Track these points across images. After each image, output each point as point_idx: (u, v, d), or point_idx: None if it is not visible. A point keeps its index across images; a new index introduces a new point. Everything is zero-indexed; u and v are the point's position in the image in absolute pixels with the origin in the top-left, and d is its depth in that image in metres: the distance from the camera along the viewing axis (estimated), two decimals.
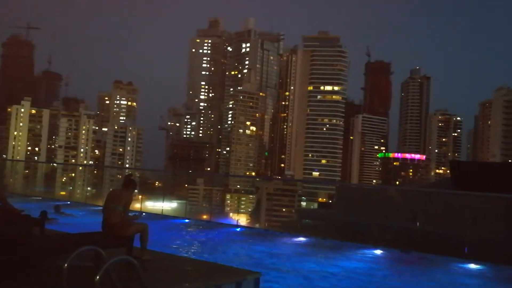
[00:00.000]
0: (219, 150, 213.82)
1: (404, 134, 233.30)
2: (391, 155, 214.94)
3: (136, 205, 19.77)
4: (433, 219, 19.45)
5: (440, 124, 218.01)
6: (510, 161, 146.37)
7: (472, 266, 10.41)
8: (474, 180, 23.48)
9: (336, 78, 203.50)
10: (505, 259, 12.13)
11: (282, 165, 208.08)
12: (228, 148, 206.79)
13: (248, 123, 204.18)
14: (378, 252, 11.57)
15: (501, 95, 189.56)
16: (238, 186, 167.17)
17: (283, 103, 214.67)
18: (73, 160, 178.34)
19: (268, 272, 7.87)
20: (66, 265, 4.49)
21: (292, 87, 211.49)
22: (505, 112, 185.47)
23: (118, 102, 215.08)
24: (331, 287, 7.77)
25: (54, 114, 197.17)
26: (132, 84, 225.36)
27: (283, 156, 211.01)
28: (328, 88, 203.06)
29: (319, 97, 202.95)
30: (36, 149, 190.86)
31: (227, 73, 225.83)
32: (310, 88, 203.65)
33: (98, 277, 4.07)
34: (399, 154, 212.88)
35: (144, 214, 8.05)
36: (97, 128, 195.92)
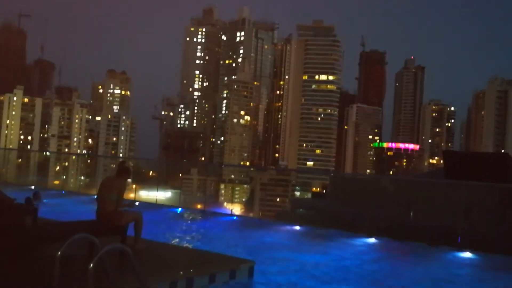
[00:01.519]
0: (213, 140, 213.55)
1: (398, 124, 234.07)
2: (385, 145, 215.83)
3: (130, 195, 19.73)
4: (426, 209, 19.56)
5: (433, 114, 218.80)
6: (502, 151, 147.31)
7: (465, 255, 10.49)
8: (467, 170, 23.58)
9: (331, 67, 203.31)
10: (498, 249, 12.23)
11: (277, 155, 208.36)
12: (222, 138, 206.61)
13: (242, 112, 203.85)
14: (372, 241, 11.64)
15: (495, 85, 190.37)
16: (232, 176, 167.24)
17: (278, 92, 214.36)
18: (66, 150, 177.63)
19: (262, 261, 7.88)
20: (59, 253, 4.46)
21: (286, 77, 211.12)
22: (498, 103, 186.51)
23: (111, 91, 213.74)
24: (325, 275, 7.80)
25: (47, 103, 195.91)
26: (125, 73, 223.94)
27: (277, 146, 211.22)
28: (323, 77, 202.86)
29: (313, 86, 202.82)
30: (29, 138, 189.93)
31: (221, 62, 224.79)
32: (305, 77, 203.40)
33: (91, 265, 4.04)
34: (393, 144, 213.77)
35: (137, 203, 8.02)
36: (90, 117, 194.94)
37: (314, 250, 10.36)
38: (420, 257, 10.59)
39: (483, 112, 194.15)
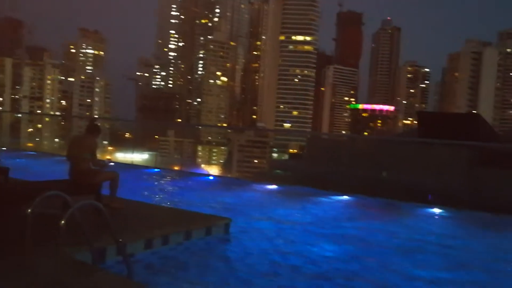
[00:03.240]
0: (190, 101, 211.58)
1: (374, 85, 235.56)
2: (360, 106, 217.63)
3: (106, 157, 19.52)
4: (399, 167, 19.97)
5: (409, 76, 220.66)
6: (474, 112, 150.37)
7: (436, 211, 10.81)
8: (440, 130, 24.02)
9: (308, 28, 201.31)
10: (468, 204, 12.65)
11: (254, 116, 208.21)
12: (199, 99, 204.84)
13: (219, 73, 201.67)
14: (346, 198, 11.87)
15: (469, 47, 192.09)
16: (210, 138, 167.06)
17: (255, 53, 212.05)
18: (39, 111, 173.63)
19: (239, 218, 7.97)
20: (29, 210, 4.39)
21: (263, 37, 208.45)
22: (472, 64, 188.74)
23: (84, 51, 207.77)
24: (300, 232, 7.95)
25: (17, 63, 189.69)
26: (98, 33, 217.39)
27: (254, 107, 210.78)
28: (300, 38, 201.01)
29: (290, 47, 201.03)
30: (0, 99, 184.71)
31: (197, 21, 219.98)
32: (282, 38, 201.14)
33: (63, 221, 3.99)
34: (368, 106, 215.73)
35: (112, 163, 7.96)
36: (63, 78, 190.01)
37: (290, 206, 10.51)
38: (393, 212, 10.88)
39: (456, 74, 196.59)
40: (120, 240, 4.70)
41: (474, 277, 6.14)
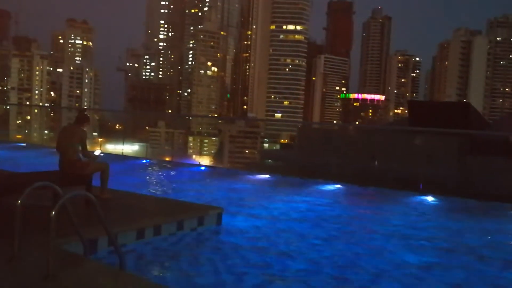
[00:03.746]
0: (180, 92, 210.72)
1: (365, 74, 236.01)
2: (351, 96, 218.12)
3: (96, 148, 19.39)
4: (390, 156, 20.06)
5: (399, 65, 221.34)
6: (464, 101, 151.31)
7: (426, 198, 10.89)
8: (430, 119, 24.13)
9: (299, 17, 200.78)
10: (458, 192, 12.75)
11: (245, 107, 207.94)
12: (189, 90, 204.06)
13: (209, 63, 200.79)
14: (337, 187, 11.91)
15: (459, 36, 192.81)
16: (201, 129, 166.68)
17: (245, 42, 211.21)
18: (28, 103, 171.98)
19: (231, 208, 7.96)
20: (19, 202, 4.33)
21: (254, 26, 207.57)
22: (461, 53, 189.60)
23: (72, 41, 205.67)
24: (293, 220, 7.97)
25: (5, 54, 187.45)
26: (87, 23, 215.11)
27: (245, 97, 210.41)
28: (291, 27, 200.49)
29: (281, 36, 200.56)
30: None
31: (186, 11, 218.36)
32: (273, 27, 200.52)
33: (53, 212, 3.94)
34: (359, 95, 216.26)
35: (102, 154, 7.91)
36: (51, 69, 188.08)
37: (281, 195, 10.52)
38: (384, 200, 10.94)
39: (446, 63, 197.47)
40: (110, 230, 4.68)
41: (462, 262, 6.24)
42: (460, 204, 10.77)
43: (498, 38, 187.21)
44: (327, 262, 5.85)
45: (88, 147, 7.55)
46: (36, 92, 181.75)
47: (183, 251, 5.99)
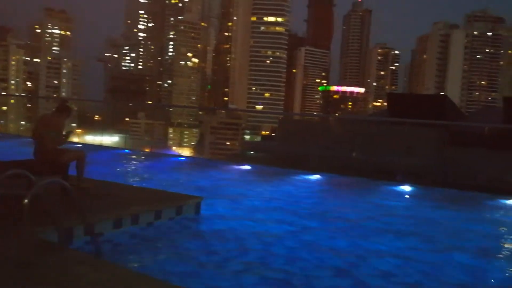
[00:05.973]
0: (160, 83, 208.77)
1: (345, 67, 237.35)
2: (331, 88, 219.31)
3: (74, 139, 19.10)
4: (369, 147, 20.27)
5: (379, 58, 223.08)
6: (441, 93, 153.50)
7: (404, 188, 11.02)
8: (409, 111, 24.44)
9: (280, 9, 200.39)
10: (436, 182, 12.96)
11: (226, 98, 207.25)
12: (169, 81, 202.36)
13: (190, 54, 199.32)
14: (317, 177, 11.97)
15: (438, 29, 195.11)
16: (180, 120, 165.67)
17: (226, 34, 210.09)
18: (3, 93, 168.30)
19: (210, 197, 7.93)
20: None
21: (235, 18, 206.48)
22: (440, 46, 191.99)
23: (50, 31, 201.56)
24: (272, 210, 7.98)
25: None
26: (65, 12, 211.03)
27: (226, 89, 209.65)
28: (272, 19, 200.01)
29: (262, 28, 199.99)
30: None
31: (167, 1, 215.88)
32: (254, 18, 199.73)
33: (26, 200, 3.86)
34: (339, 88, 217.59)
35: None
36: (28, 59, 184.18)
37: (262, 186, 10.54)
38: (362, 189, 11.07)
39: (425, 56, 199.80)
40: (86, 219, 4.61)
41: (437, 247, 6.44)
42: (438, 193, 10.96)
43: (475, 32, 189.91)
44: (307, 248, 5.92)
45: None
46: (13, 82, 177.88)
47: (161, 240, 5.95)
